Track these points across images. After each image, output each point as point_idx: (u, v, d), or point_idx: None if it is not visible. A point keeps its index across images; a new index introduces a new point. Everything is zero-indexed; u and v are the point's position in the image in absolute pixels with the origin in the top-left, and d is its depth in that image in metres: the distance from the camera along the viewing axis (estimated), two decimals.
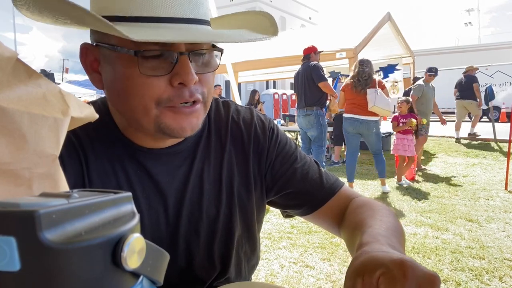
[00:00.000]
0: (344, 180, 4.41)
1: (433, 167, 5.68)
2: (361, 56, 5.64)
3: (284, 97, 18.85)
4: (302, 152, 0.77)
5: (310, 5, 35.28)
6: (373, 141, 4.19)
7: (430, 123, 5.49)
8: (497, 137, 7.60)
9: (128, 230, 0.22)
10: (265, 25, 0.63)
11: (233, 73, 3.87)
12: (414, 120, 4.51)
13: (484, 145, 7.47)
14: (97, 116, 0.35)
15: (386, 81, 7.42)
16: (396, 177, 4.88)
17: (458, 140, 7.65)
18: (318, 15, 37.12)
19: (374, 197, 4.21)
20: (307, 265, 2.51)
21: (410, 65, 8.68)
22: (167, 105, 0.54)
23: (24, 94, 0.28)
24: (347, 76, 5.37)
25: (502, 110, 12.31)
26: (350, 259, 2.31)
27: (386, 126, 7.27)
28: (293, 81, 4.72)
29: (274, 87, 23.75)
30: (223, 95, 7.68)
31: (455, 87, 7.63)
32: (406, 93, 7.07)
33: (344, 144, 6.10)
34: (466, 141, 7.86)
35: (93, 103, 0.66)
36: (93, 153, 0.61)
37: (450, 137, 7.87)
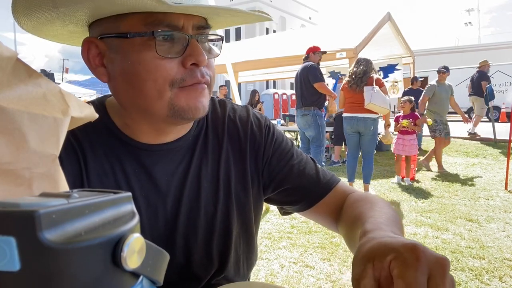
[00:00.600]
0: (344, 180, 4.40)
1: (433, 167, 5.68)
2: (361, 56, 5.64)
3: (284, 97, 18.86)
4: (298, 149, 0.78)
5: (310, 5, 35.29)
6: (367, 140, 4.15)
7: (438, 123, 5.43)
8: (497, 137, 7.60)
9: (128, 230, 0.22)
10: (261, 18, 0.65)
11: (233, 73, 3.87)
12: (405, 121, 4.52)
13: (484, 145, 7.47)
14: (97, 115, 0.35)
15: (386, 81, 7.42)
16: (396, 177, 4.89)
17: (473, 135, 7.59)
18: (318, 15, 37.12)
19: (380, 195, 4.20)
20: (307, 265, 2.51)
21: (410, 65, 8.69)
22: (180, 85, 0.56)
23: (24, 94, 0.28)
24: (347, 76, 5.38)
25: (502, 110, 12.31)
26: (350, 259, 2.30)
27: None
28: (293, 81, 4.72)
29: (274, 87, 23.75)
30: (226, 95, 7.67)
31: (470, 81, 7.67)
32: (406, 93, 7.10)
33: (344, 144, 6.11)
34: (466, 141, 7.86)
35: (91, 102, 0.67)
36: (91, 153, 0.61)
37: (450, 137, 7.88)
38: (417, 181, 4.89)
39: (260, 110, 7.60)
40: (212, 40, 0.62)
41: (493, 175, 5.10)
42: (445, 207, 3.74)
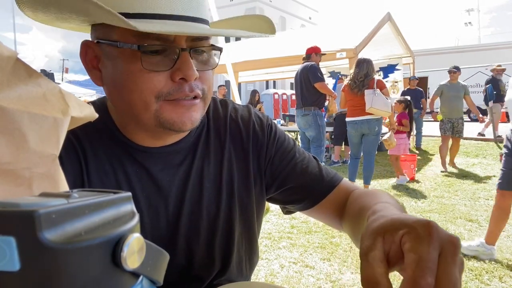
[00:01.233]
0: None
1: (433, 167, 5.68)
2: (361, 56, 5.64)
3: (284, 97, 18.85)
4: (300, 148, 0.78)
5: (310, 5, 35.29)
6: (370, 141, 4.14)
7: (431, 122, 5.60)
8: (496, 138, 7.61)
9: (128, 230, 0.22)
10: (263, 26, 0.65)
11: (233, 73, 3.87)
12: (387, 121, 4.53)
13: (484, 145, 7.47)
14: (96, 115, 0.35)
15: (386, 81, 7.42)
16: (395, 178, 4.89)
17: (497, 139, 7.64)
18: (318, 15, 37.12)
19: None
20: (307, 265, 2.51)
21: (410, 65, 8.68)
22: (166, 98, 0.55)
23: (24, 94, 0.28)
24: (347, 76, 5.38)
25: (502, 110, 12.31)
26: (350, 259, 2.31)
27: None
28: (293, 81, 4.72)
29: (274, 87, 23.74)
30: (225, 95, 7.68)
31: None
32: (404, 93, 7.13)
33: (345, 144, 6.10)
34: (466, 141, 7.86)
35: (91, 103, 0.67)
36: (92, 153, 0.61)
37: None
38: (417, 181, 4.89)
39: (260, 110, 7.60)
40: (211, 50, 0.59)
41: (493, 175, 5.10)
42: (445, 207, 3.74)
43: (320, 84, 4.26)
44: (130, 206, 0.24)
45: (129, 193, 0.24)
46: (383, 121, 4.29)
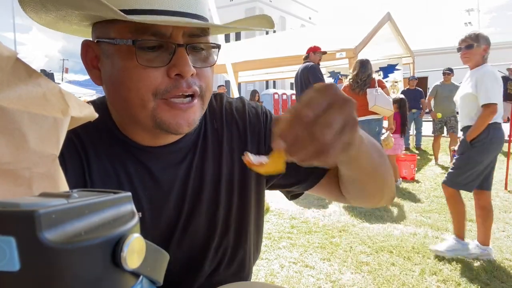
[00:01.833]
0: None
1: (433, 167, 5.68)
2: (361, 56, 5.63)
3: (284, 97, 18.84)
4: None
5: (310, 5, 35.28)
6: None
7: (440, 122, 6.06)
8: None
9: (127, 230, 0.22)
10: (261, 21, 0.64)
11: (233, 73, 3.87)
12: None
13: None
14: (96, 115, 0.35)
15: (386, 81, 7.42)
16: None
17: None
18: (318, 15, 37.11)
19: None
20: (307, 265, 2.51)
21: (410, 65, 8.68)
22: (164, 96, 0.55)
23: (24, 94, 0.28)
24: (347, 76, 5.38)
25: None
26: (350, 259, 2.30)
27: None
28: (293, 81, 4.72)
29: (274, 87, 23.73)
30: None
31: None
32: (404, 93, 7.14)
33: None
34: None
35: (92, 103, 0.67)
36: (94, 153, 0.61)
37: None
38: (417, 181, 4.89)
39: None
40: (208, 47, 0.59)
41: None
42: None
43: None
44: (130, 206, 0.24)
45: (129, 193, 0.24)
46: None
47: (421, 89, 7.79)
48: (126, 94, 0.55)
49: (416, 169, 5.09)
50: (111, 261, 0.21)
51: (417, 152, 7.29)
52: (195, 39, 0.56)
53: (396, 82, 7.81)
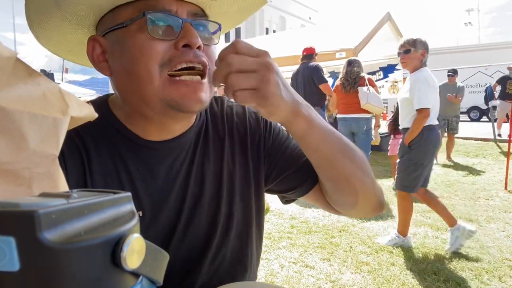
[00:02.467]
0: None
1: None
2: (361, 56, 5.63)
3: None
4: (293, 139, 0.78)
5: (310, 5, 35.29)
6: (361, 140, 4.21)
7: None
8: (497, 137, 7.61)
9: (127, 230, 0.22)
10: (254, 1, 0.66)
11: None
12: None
13: (484, 145, 7.47)
14: (96, 115, 0.35)
15: (386, 81, 7.42)
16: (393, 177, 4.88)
17: (496, 139, 7.86)
18: (318, 15, 37.12)
19: None
20: (307, 265, 2.51)
21: None
22: (170, 68, 0.56)
23: (24, 94, 0.28)
24: None
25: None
26: (350, 259, 2.31)
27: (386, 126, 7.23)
28: (291, 81, 4.73)
29: None
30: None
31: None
32: None
33: None
34: (466, 141, 7.86)
35: (93, 102, 0.67)
36: (95, 152, 0.61)
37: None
38: None
39: None
40: (209, 29, 0.62)
41: (493, 175, 5.10)
42: None
43: (325, 85, 4.34)
44: (130, 206, 0.24)
45: (129, 193, 0.24)
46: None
47: None
48: (135, 68, 0.56)
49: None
50: (111, 261, 0.21)
51: None
52: (199, 16, 0.60)
53: (396, 82, 7.80)
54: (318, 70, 4.36)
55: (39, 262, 0.18)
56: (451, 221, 2.65)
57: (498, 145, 7.32)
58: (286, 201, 0.80)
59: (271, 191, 0.78)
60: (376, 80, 7.56)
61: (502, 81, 7.85)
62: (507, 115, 8.47)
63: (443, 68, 6.56)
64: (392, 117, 4.75)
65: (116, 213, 0.22)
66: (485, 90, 7.84)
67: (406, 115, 2.69)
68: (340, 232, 3.11)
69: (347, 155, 0.63)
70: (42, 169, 0.30)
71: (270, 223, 3.34)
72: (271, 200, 3.85)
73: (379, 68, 7.69)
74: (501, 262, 2.46)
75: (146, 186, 0.63)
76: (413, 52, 2.57)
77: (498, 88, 7.97)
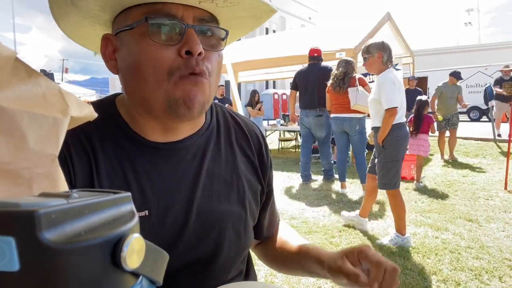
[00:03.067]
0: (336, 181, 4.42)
1: (433, 167, 5.69)
2: (361, 56, 5.62)
3: (284, 97, 18.85)
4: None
5: (310, 5, 35.29)
6: (355, 140, 4.27)
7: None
8: (497, 137, 7.62)
9: (127, 230, 0.22)
10: (264, 10, 0.65)
11: (233, 73, 3.88)
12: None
13: (484, 145, 7.47)
14: (96, 115, 0.35)
15: None
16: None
17: (496, 139, 7.91)
18: (318, 15, 37.13)
19: (379, 195, 4.21)
20: None
21: (409, 65, 8.68)
22: (176, 75, 0.57)
23: (24, 94, 0.28)
24: None
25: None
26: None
27: None
28: (299, 79, 4.76)
29: (274, 87, 23.73)
30: (224, 95, 7.65)
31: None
32: None
33: None
34: (466, 141, 7.86)
35: (100, 101, 0.68)
36: (102, 152, 0.61)
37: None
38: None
39: (260, 110, 7.58)
40: (216, 34, 0.61)
41: (492, 175, 5.10)
42: (445, 207, 3.74)
43: None
44: (130, 206, 0.24)
45: (129, 193, 0.24)
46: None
47: (421, 89, 7.79)
48: (141, 73, 0.57)
49: (416, 169, 5.09)
50: (111, 261, 0.21)
51: None
52: (204, 22, 0.59)
53: None
54: (331, 72, 4.44)
55: (39, 262, 0.18)
56: (402, 229, 2.80)
57: (498, 145, 7.32)
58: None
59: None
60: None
61: (498, 82, 7.94)
62: (505, 115, 8.49)
63: (443, 68, 6.58)
64: (412, 117, 4.79)
65: (116, 213, 0.22)
66: (485, 90, 7.84)
67: (375, 114, 2.84)
68: (340, 232, 3.11)
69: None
70: (42, 169, 0.30)
71: None
72: None
73: None
74: (501, 262, 2.47)
75: (152, 185, 0.63)
76: (370, 58, 2.77)
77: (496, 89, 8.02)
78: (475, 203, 3.86)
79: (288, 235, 0.83)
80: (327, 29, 8.20)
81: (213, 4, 0.57)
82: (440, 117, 6.20)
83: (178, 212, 0.64)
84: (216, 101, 0.82)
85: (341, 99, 4.17)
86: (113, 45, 0.61)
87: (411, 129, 4.68)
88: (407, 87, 7.58)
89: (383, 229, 3.15)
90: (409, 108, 7.64)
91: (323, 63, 4.64)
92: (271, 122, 10.70)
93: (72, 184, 0.57)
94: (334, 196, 4.31)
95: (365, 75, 5.11)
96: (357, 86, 4.04)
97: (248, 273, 0.78)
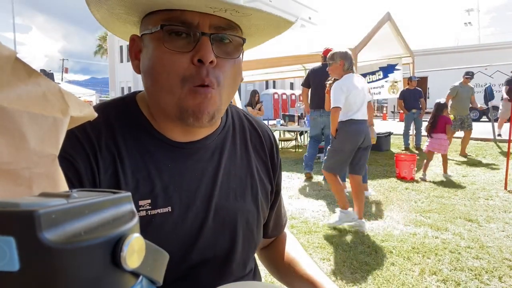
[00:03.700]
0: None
1: (433, 167, 5.68)
2: (361, 56, 5.64)
3: (284, 97, 18.85)
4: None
5: (310, 5, 35.30)
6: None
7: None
8: (497, 137, 7.62)
9: (127, 230, 0.22)
10: (282, 23, 0.65)
11: None
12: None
13: (484, 145, 7.47)
14: (96, 115, 0.35)
15: (386, 81, 7.42)
16: (396, 177, 4.89)
17: (496, 139, 8.01)
18: (318, 15, 37.13)
19: (379, 195, 4.21)
20: None
21: (409, 65, 8.68)
22: (190, 84, 0.57)
23: (24, 93, 0.28)
24: None
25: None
26: (350, 259, 2.32)
27: (386, 126, 7.22)
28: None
29: (274, 87, 23.73)
30: None
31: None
32: (403, 93, 7.23)
33: None
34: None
35: (121, 98, 0.69)
36: (126, 150, 0.62)
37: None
38: (417, 181, 4.90)
39: (260, 110, 7.59)
40: (233, 42, 0.61)
41: (492, 175, 5.11)
42: (445, 207, 3.74)
43: None
44: (130, 206, 0.24)
45: (129, 193, 0.24)
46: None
47: (420, 89, 7.80)
48: (157, 78, 0.59)
49: (415, 169, 5.09)
50: (111, 261, 0.21)
51: (417, 152, 7.29)
52: (221, 30, 0.59)
53: (396, 82, 7.81)
54: None
55: (39, 262, 0.18)
56: (344, 205, 3.20)
57: (498, 145, 7.32)
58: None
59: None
60: (376, 80, 7.57)
61: (510, 83, 8.01)
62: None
63: (443, 68, 6.60)
64: (431, 118, 4.94)
65: (116, 213, 0.22)
66: (485, 90, 7.84)
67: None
68: (340, 232, 3.11)
69: None
70: (42, 169, 0.30)
71: None
72: None
73: (379, 68, 7.69)
74: (501, 262, 2.47)
75: (175, 182, 0.64)
76: (333, 64, 3.23)
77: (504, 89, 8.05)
78: (475, 203, 3.86)
79: (296, 253, 0.83)
80: (327, 29, 8.20)
81: (227, 14, 0.56)
82: (452, 116, 6.27)
83: (198, 208, 0.66)
84: None
85: None
86: (139, 46, 0.63)
87: (427, 129, 5.01)
88: (407, 87, 7.58)
89: (383, 229, 3.15)
90: (409, 108, 7.66)
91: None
92: (271, 122, 10.71)
93: (96, 182, 0.58)
94: (334, 196, 4.31)
95: (364, 75, 5.12)
96: None
97: (256, 272, 0.80)
